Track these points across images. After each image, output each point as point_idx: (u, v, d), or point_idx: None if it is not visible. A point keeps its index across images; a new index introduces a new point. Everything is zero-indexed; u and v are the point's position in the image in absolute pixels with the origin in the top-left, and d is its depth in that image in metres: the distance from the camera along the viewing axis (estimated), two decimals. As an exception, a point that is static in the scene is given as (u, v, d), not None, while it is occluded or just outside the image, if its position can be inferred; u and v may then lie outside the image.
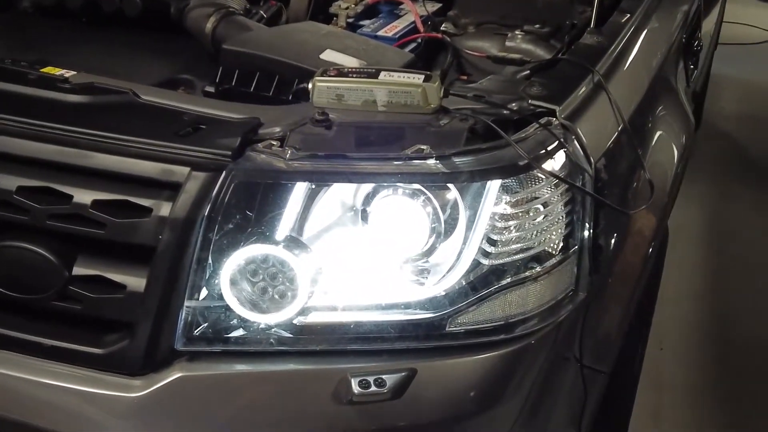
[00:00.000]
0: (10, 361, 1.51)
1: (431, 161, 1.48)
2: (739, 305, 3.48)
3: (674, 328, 3.24)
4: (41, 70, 1.72)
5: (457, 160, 1.48)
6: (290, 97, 1.84)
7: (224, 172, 1.45)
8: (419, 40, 2.20)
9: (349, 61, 1.87)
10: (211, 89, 1.91)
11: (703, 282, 3.58)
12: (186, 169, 1.46)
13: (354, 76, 1.63)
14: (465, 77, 2.10)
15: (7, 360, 1.52)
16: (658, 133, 2.03)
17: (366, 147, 1.54)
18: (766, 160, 4.69)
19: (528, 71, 1.91)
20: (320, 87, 1.62)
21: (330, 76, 1.64)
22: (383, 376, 1.46)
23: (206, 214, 1.44)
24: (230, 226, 1.46)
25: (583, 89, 1.76)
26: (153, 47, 2.12)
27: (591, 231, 1.63)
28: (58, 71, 1.72)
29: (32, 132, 1.52)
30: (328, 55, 1.89)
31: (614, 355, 1.85)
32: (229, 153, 1.47)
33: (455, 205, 1.54)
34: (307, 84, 1.65)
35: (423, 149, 1.48)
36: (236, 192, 1.46)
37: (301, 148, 1.48)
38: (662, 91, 2.16)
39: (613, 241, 1.71)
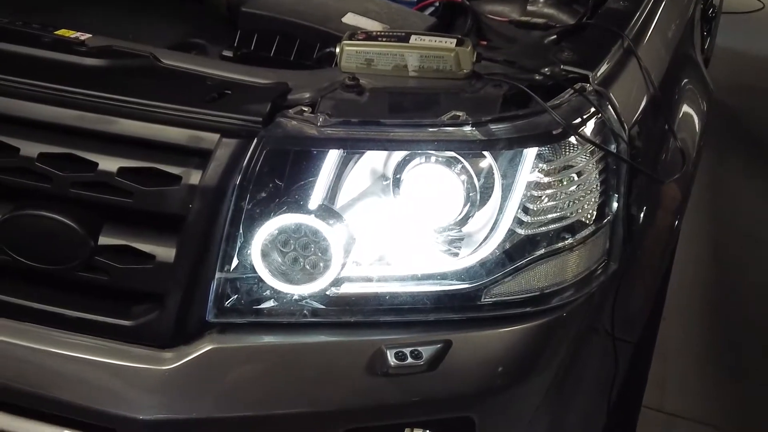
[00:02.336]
0: (33, 333, 1.47)
1: (467, 128, 1.44)
2: (735, 273, 3.48)
3: (676, 297, 3.24)
4: (55, 32, 1.66)
5: (493, 127, 1.44)
6: (312, 62, 1.79)
7: (255, 139, 1.41)
8: (437, 4, 2.14)
9: (372, 25, 1.82)
10: (229, 54, 1.85)
11: (698, 250, 3.56)
12: (215, 136, 1.41)
13: (384, 40, 1.58)
14: (485, 43, 2.05)
15: (30, 332, 1.47)
16: (683, 101, 2.00)
17: (399, 113, 1.49)
18: (760, 129, 4.67)
19: (555, 36, 1.86)
20: (349, 51, 1.58)
21: (359, 40, 1.59)
22: (419, 348, 1.43)
23: (238, 182, 1.40)
24: (262, 194, 1.42)
25: (614, 55, 1.72)
26: (161, 11, 2.06)
27: (625, 200, 1.60)
28: (72, 34, 1.66)
29: (52, 96, 1.47)
30: (350, 19, 1.84)
31: (641, 325, 1.83)
32: (260, 119, 1.42)
33: (489, 173, 1.50)
34: (334, 48, 1.61)
35: (459, 116, 1.44)
36: (268, 160, 1.41)
37: (333, 114, 1.44)
38: (685, 57, 2.12)
39: (644, 210, 1.68)
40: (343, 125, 1.43)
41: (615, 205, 1.59)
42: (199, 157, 1.42)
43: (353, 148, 1.45)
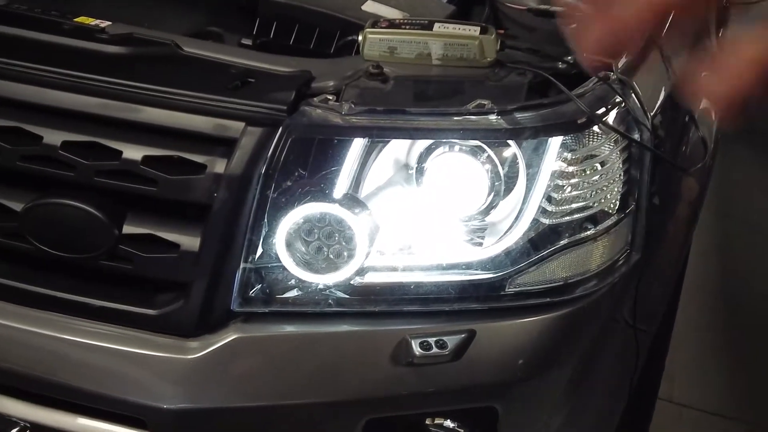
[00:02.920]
0: (57, 322, 1.47)
1: (493, 117, 1.43)
2: (740, 264, 3.47)
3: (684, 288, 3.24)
4: (74, 19, 1.65)
5: (519, 115, 1.43)
6: (332, 50, 1.78)
7: (281, 127, 1.40)
8: (454, -8, 2.14)
9: (392, 12, 1.80)
10: (248, 42, 1.84)
11: (705, 241, 3.56)
12: (240, 125, 1.41)
13: (407, 27, 1.58)
14: (503, 31, 2.04)
15: (53, 322, 1.47)
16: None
17: (424, 102, 1.49)
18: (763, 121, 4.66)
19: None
20: (372, 39, 1.57)
21: (382, 27, 1.58)
22: (444, 338, 1.43)
23: (263, 171, 1.39)
24: (287, 183, 1.41)
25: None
26: None
27: (648, 190, 1.59)
28: (92, 21, 1.65)
29: (75, 84, 1.46)
30: (370, 6, 1.83)
31: (660, 315, 1.83)
32: (285, 108, 1.41)
33: (514, 162, 1.49)
34: (356, 36, 1.60)
35: (484, 104, 1.43)
36: (293, 148, 1.41)
37: (357, 102, 1.43)
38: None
39: (666, 200, 1.68)
40: (369, 114, 1.42)
41: (638, 194, 1.58)
42: (224, 145, 1.41)
43: (378, 136, 1.45)
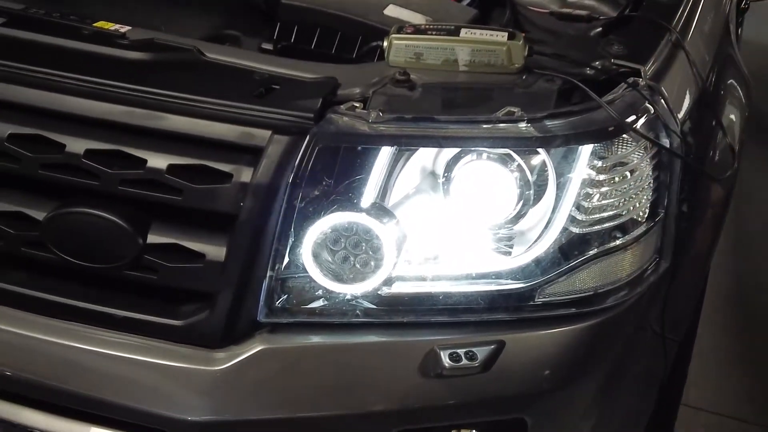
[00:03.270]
0: (80, 333, 1.45)
1: (522, 124, 1.40)
2: (757, 266, 3.45)
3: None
4: (93, 24, 1.63)
5: (549, 123, 1.41)
6: (355, 56, 1.76)
7: (308, 135, 1.38)
8: (474, -5, 2.11)
9: (414, 17, 1.78)
10: (268, 46, 1.82)
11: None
12: (267, 133, 1.39)
13: (434, 33, 1.55)
14: (523, 35, 2.02)
15: (76, 333, 1.45)
16: (726, 97, 1.96)
17: (453, 109, 1.46)
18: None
19: (600, 29, 1.83)
20: (397, 45, 1.54)
21: (407, 33, 1.56)
22: (473, 349, 1.41)
23: (290, 180, 1.37)
24: (315, 192, 1.39)
25: (663, 48, 1.69)
26: (192, 1, 2.02)
27: (677, 197, 1.57)
28: (111, 26, 1.63)
29: (98, 91, 1.44)
30: (392, 11, 1.80)
31: (687, 323, 1.81)
32: (311, 115, 1.39)
33: (542, 170, 1.47)
34: (381, 42, 1.57)
35: (514, 112, 1.41)
36: (320, 157, 1.38)
37: (385, 110, 1.41)
38: (726, 51, 2.09)
39: (694, 207, 1.65)
40: (397, 122, 1.40)
41: (667, 202, 1.56)
42: (251, 154, 1.39)
43: (407, 145, 1.42)
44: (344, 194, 1.42)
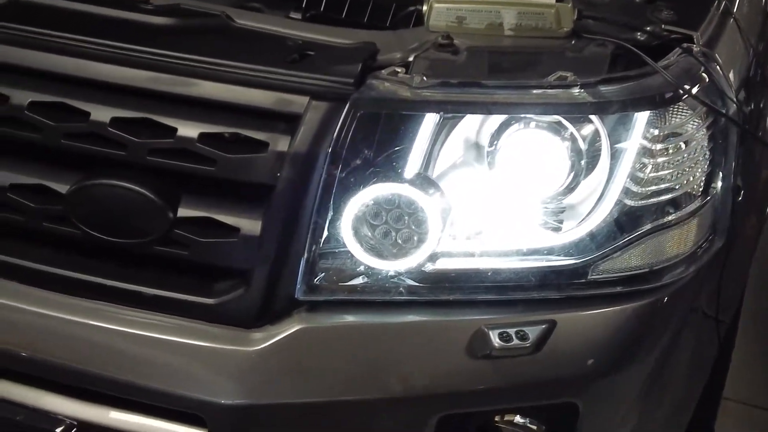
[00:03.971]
0: (107, 313, 1.37)
1: (576, 90, 1.32)
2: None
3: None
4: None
5: (603, 88, 1.33)
6: (389, 23, 1.68)
7: (348, 102, 1.29)
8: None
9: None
10: (297, 16, 1.73)
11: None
12: (304, 99, 1.31)
13: (477, -4, 1.47)
14: None
15: (102, 312, 1.37)
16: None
17: (500, 74, 1.38)
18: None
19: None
20: (438, 9, 1.46)
21: (449, -4, 1.48)
22: (524, 329, 1.32)
23: (330, 148, 1.29)
24: (356, 162, 1.31)
25: (713, 15, 1.61)
26: None
27: (734, 170, 1.49)
28: (136, -10, 1.55)
29: (124, 57, 1.36)
30: (427, -24, 1.71)
31: (736, 305, 1.73)
32: (351, 81, 1.31)
33: (595, 139, 1.38)
34: (419, 7, 1.49)
35: (566, 77, 1.33)
36: (361, 124, 1.30)
37: (428, 75, 1.33)
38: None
39: (748, 180, 1.57)
40: (442, 87, 1.32)
41: (722, 175, 1.48)
42: (287, 121, 1.31)
43: (453, 111, 1.34)
44: (386, 164, 1.34)
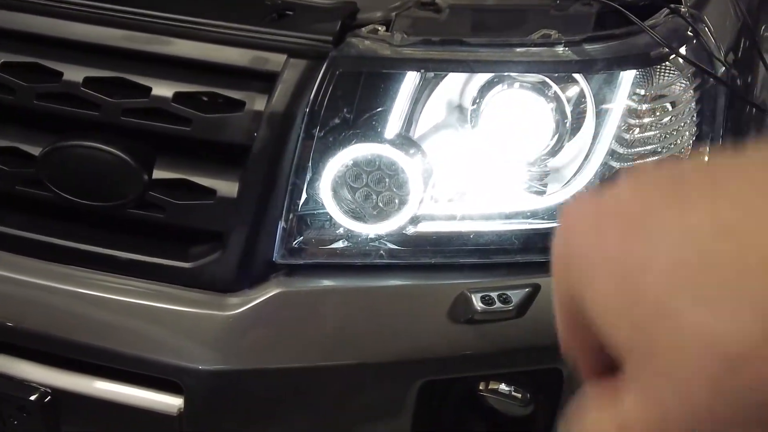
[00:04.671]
0: (80, 277, 1.34)
1: (560, 48, 1.29)
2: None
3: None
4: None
5: (588, 46, 1.30)
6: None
7: (326, 60, 1.26)
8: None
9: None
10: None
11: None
12: (282, 57, 1.27)
13: (461, -46, 1.43)
14: None
15: (75, 277, 1.34)
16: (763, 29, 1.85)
17: (484, 32, 1.34)
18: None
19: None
20: (421, -32, 1.43)
21: (431, -45, 1.44)
22: (507, 292, 1.30)
23: (308, 107, 1.26)
24: (335, 121, 1.28)
25: None
26: None
27: (723, 134, 1.46)
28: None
29: (96, 15, 1.32)
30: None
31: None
32: (330, 39, 1.28)
33: (580, 99, 1.35)
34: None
35: (550, 35, 1.30)
36: (340, 83, 1.27)
37: (410, 33, 1.29)
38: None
39: (737, 145, 1.54)
40: (423, 45, 1.29)
41: (711, 139, 1.45)
42: (264, 80, 1.27)
43: (434, 69, 1.31)
44: (366, 125, 1.31)
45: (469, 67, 1.30)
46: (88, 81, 1.29)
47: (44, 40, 1.33)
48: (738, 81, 1.53)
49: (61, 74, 1.30)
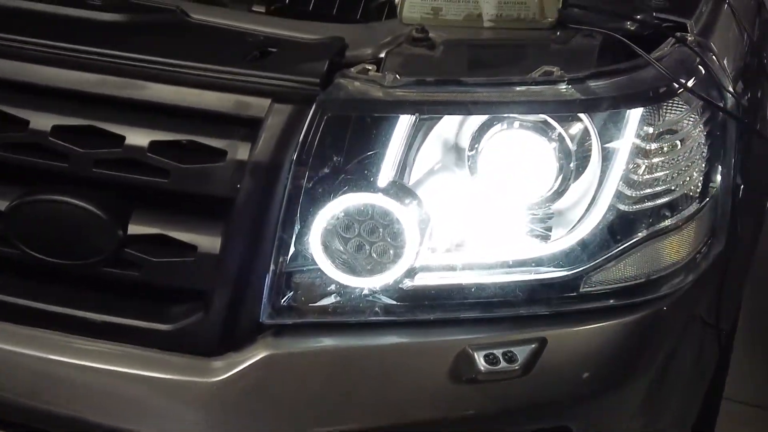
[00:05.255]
0: (52, 342, 1.24)
1: (563, 86, 1.21)
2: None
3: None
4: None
5: (593, 84, 1.22)
6: (359, 15, 1.56)
7: (314, 104, 1.17)
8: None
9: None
10: (260, 9, 1.60)
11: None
12: (266, 101, 1.19)
13: (453, -16, 1.35)
14: None
15: (47, 341, 1.24)
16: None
17: (480, 70, 1.27)
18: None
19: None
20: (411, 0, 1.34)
21: (422, -15, 1.36)
22: (512, 349, 1.21)
23: (295, 156, 1.17)
24: (324, 170, 1.19)
25: (706, 1, 1.50)
26: None
27: (732, 168, 1.38)
28: (77, -16, 1.42)
29: (66, 58, 1.23)
30: (397, -36, 1.59)
31: (735, 310, 1.62)
32: (317, 80, 1.19)
33: (584, 138, 1.27)
34: (388, -2, 1.38)
35: (552, 71, 1.21)
36: (328, 128, 1.18)
37: (402, 72, 1.21)
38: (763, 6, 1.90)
39: (748, 179, 1.46)
40: (417, 85, 1.20)
41: (721, 174, 1.37)
42: (247, 126, 1.19)
43: (430, 112, 1.22)
44: (357, 172, 1.22)
45: (467, 109, 1.21)
46: (57, 130, 1.20)
47: (8, 84, 1.24)
48: (747, 110, 1.46)
49: (27, 122, 1.21)
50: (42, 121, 1.21)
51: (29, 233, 1.23)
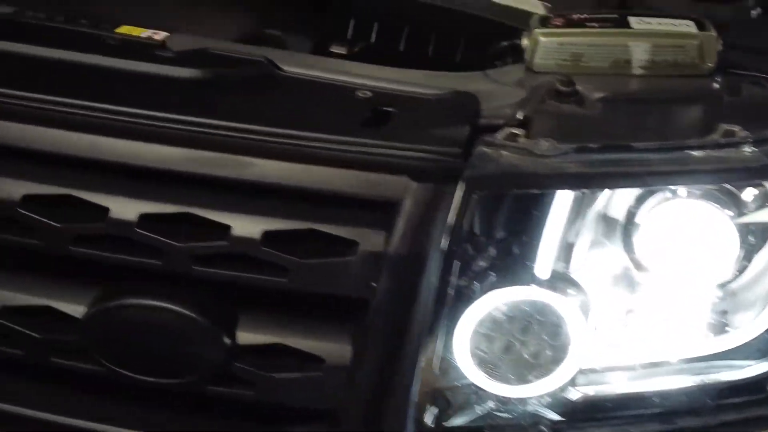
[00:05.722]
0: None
1: (747, 149, 1.01)
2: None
3: None
4: (116, 30, 1.20)
5: None
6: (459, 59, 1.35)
7: (460, 181, 0.96)
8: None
9: (535, 4, 1.38)
10: (341, 50, 1.40)
11: None
12: (401, 180, 0.97)
13: (595, 25, 1.15)
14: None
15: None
16: None
17: (648, 132, 1.06)
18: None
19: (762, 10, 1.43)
20: (547, 45, 1.15)
21: (557, 26, 1.16)
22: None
23: (446, 245, 0.96)
24: (481, 263, 0.98)
25: None
26: None
27: None
28: (141, 32, 1.20)
29: (146, 128, 1.01)
30: (502, -3, 1.40)
31: None
32: (459, 151, 0.98)
33: (763, 202, 1.07)
34: (518, 40, 1.17)
35: (733, 131, 1.01)
36: (480, 210, 0.97)
37: (558, 137, 1.00)
38: None
39: None
40: (578, 153, 0.99)
41: None
42: (380, 212, 0.97)
43: (598, 186, 1.02)
44: (511, 261, 1.01)
45: (644, 181, 1.01)
46: (145, 218, 0.98)
47: (79, 162, 1.01)
48: None
49: (106, 210, 0.99)
50: (125, 209, 0.99)
51: (113, 345, 1.01)
